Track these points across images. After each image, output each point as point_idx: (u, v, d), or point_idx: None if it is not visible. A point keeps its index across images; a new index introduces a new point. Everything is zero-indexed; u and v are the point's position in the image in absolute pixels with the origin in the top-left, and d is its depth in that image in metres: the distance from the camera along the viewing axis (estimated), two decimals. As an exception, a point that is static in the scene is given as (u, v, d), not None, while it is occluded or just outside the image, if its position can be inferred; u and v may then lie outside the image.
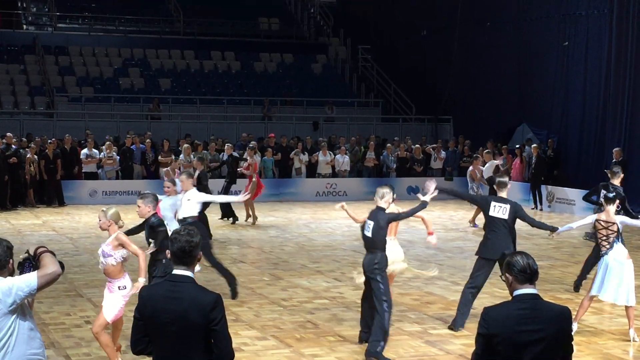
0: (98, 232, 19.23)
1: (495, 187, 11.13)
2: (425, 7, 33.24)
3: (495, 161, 22.46)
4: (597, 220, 10.61)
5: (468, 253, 16.85)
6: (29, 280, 5.27)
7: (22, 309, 5.37)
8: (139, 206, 9.51)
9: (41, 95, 31.31)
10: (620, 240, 10.46)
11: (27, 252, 5.53)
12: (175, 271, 5.19)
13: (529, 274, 5.04)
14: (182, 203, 12.52)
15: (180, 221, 12.24)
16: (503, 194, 10.82)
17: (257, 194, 20.95)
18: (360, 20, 37.14)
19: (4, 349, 5.29)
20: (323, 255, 16.62)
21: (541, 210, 24.42)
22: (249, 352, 9.59)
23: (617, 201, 10.67)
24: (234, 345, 9.15)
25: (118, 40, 35.15)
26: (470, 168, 21.87)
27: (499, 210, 10.51)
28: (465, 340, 10.17)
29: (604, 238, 10.49)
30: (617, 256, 10.34)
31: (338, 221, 21.89)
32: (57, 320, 10.76)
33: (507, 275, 5.10)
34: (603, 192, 12.66)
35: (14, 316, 5.30)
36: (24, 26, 35.73)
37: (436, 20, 32.70)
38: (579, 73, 26.46)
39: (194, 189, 12.78)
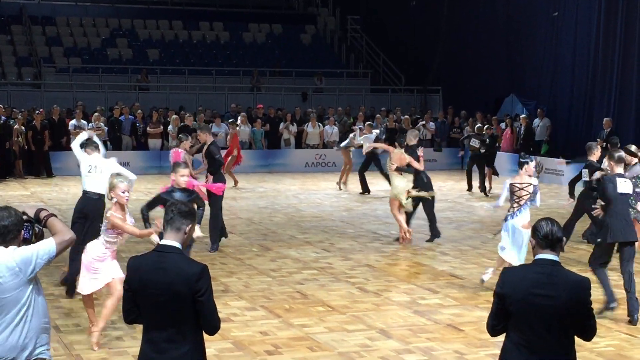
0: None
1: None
2: (415, -23, 33.13)
3: (372, 134, 22.05)
4: (511, 184, 11.07)
5: (457, 223, 16.91)
6: (48, 247, 5.22)
7: (35, 277, 5.32)
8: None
9: (28, 66, 31.11)
10: (529, 204, 10.85)
11: (25, 214, 5.40)
12: (163, 241, 5.22)
13: (551, 240, 5.10)
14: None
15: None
16: None
17: (236, 162, 22.20)
18: (349, -9, 36.97)
19: (24, 320, 5.22)
20: (312, 225, 16.64)
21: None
22: (238, 322, 9.62)
23: (528, 166, 11.06)
24: (223, 316, 9.20)
25: (105, 11, 34.90)
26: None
27: None
28: (454, 310, 10.23)
29: (517, 199, 10.92)
30: (517, 223, 10.76)
31: (327, 192, 21.91)
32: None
33: (531, 239, 5.22)
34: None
35: (32, 285, 5.25)
36: (11, -4, 35.43)
37: (426, -10, 32.58)
38: (569, 44, 26.41)
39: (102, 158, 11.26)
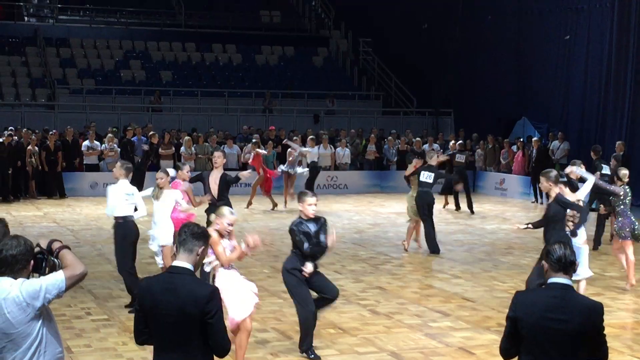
0: (99, 224, 19.27)
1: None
2: (427, 0, 33.19)
3: (314, 149, 23.30)
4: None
5: (468, 246, 16.88)
6: (58, 281, 5.05)
7: (46, 308, 5.17)
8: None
9: (42, 87, 31.32)
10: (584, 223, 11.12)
11: (39, 246, 5.24)
12: (175, 262, 5.24)
13: (564, 264, 5.09)
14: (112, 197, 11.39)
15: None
16: None
17: (267, 185, 22.37)
18: (361, 13, 37.08)
19: (37, 354, 5.10)
20: (323, 247, 16.57)
21: (541, 203, 24.36)
22: (249, 344, 9.60)
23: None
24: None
25: (119, 32, 35.15)
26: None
27: None
28: (465, 333, 10.20)
29: (571, 218, 10.88)
30: (577, 241, 10.88)
31: (339, 214, 21.90)
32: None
33: (544, 262, 5.20)
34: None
35: (41, 320, 5.11)
36: (25, 18, 35.75)
37: (438, 13, 32.65)
38: (580, 67, 26.43)
39: (125, 182, 11.37)
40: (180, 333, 5.06)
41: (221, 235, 8.58)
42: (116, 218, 11.27)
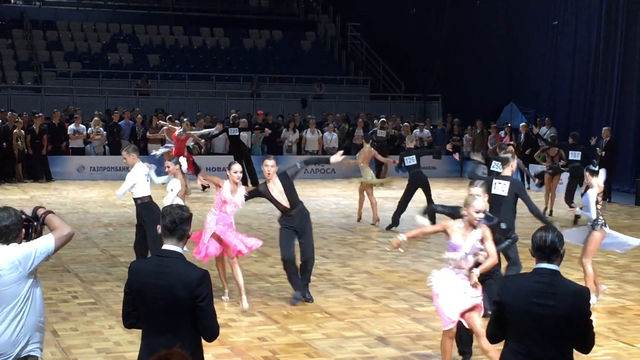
0: (85, 208, 19.23)
1: None
2: (416, -15, 33.18)
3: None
4: (597, 194, 10.80)
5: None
6: (47, 242, 5.35)
7: (35, 273, 5.43)
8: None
9: (29, 70, 31.14)
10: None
11: (23, 213, 5.48)
12: (165, 246, 5.21)
13: (544, 252, 5.08)
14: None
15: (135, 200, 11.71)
16: None
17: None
18: (349, -2, 37.05)
19: (21, 314, 5.34)
20: (311, 232, 16.58)
21: (529, 189, 24.42)
22: (235, 328, 9.62)
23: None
24: (221, 321, 9.17)
25: (106, 15, 34.95)
26: (166, 127, 22.26)
27: None
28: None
29: (600, 209, 10.83)
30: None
31: (326, 198, 21.91)
32: (44, 295, 10.72)
33: (530, 248, 5.20)
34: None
35: (31, 281, 5.37)
36: (12, 0, 35.47)
37: (426, -2, 32.63)
38: (568, 52, 26.47)
39: (140, 164, 11.71)
40: (169, 317, 5.06)
41: (472, 226, 7.78)
42: (142, 198, 11.52)
